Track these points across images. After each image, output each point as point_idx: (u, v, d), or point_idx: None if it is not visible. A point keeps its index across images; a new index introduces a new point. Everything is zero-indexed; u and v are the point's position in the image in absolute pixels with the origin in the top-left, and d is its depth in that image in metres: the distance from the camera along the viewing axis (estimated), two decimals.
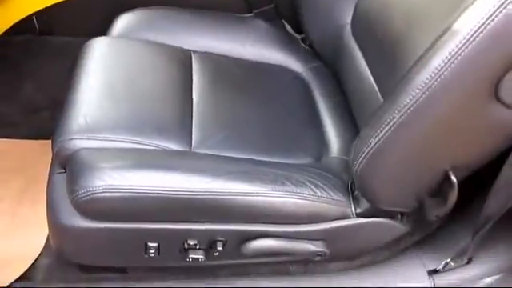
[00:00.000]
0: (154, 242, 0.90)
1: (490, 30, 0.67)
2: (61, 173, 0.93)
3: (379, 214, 0.92)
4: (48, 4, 1.37)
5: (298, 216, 0.90)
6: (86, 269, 1.00)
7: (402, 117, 0.75)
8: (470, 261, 1.01)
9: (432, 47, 0.72)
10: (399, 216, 0.95)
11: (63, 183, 0.89)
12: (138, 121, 0.95)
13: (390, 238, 0.98)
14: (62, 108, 0.97)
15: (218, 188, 0.85)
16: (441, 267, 1.01)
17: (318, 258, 0.96)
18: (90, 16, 1.42)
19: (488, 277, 1.00)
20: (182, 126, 0.98)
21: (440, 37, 0.71)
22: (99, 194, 0.82)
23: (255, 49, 1.21)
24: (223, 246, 0.91)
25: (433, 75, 0.70)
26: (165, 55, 1.12)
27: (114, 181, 0.82)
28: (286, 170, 0.92)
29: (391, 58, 0.88)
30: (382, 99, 0.92)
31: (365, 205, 0.91)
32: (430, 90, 0.71)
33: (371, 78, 0.98)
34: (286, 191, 0.87)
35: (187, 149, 0.95)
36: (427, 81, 0.71)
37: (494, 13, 0.66)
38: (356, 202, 0.92)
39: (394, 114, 0.75)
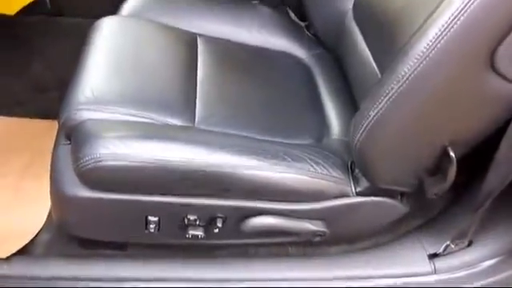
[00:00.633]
0: (155, 215, 0.91)
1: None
2: (66, 144, 0.94)
3: (379, 192, 0.92)
4: None
5: (298, 192, 0.90)
6: (86, 244, 1.00)
7: (401, 87, 0.75)
8: (470, 244, 1.01)
9: (429, 18, 0.73)
10: (399, 196, 0.95)
11: (68, 154, 0.89)
12: (143, 96, 0.97)
13: (390, 219, 0.98)
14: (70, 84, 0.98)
15: (218, 160, 0.86)
16: (441, 250, 1.01)
17: (317, 239, 0.96)
18: None
19: (488, 259, 0.99)
20: (186, 102, 1.00)
21: (436, 7, 0.73)
22: (103, 162, 0.83)
23: (260, 34, 1.23)
24: (223, 222, 0.91)
25: (430, 44, 0.72)
26: (172, 36, 1.14)
27: (119, 149, 0.83)
28: (287, 147, 0.93)
29: (390, 37, 0.89)
30: None
31: (364, 183, 0.91)
32: (427, 59, 0.72)
33: (372, 62, 0.99)
34: (286, 166, 0.88)
35: (190, 125, 0.96)
36: (425, 49, 0.72)
37: None
38: (356, 180, 0.92)
39: (393, 85, 0.76)
